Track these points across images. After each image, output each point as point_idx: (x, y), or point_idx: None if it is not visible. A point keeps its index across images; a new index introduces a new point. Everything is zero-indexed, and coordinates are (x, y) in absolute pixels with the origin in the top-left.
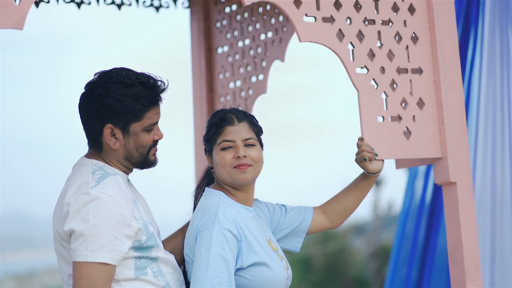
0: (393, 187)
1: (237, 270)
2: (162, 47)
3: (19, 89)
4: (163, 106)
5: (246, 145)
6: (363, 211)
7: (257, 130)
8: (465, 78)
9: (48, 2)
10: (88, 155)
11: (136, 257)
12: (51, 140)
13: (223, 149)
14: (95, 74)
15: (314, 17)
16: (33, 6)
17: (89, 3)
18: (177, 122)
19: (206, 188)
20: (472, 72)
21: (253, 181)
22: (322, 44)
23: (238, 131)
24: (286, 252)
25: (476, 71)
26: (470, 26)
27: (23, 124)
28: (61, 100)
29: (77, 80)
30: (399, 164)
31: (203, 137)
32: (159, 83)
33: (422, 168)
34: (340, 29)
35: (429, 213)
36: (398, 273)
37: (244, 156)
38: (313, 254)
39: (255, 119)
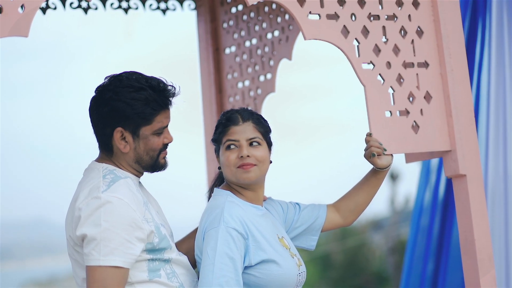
0: (410, 182)
1: (246, 268)
2: (170, 49)
3: (31, 96)
4: (174, 110)
5: (251, 145)
6: (380, 207)
7: (264, 130)
8: (475, 71)
9: (55, 8)
10: (98, 159)
11: (149, 260)
12: (65, 146)
13: (228, 149)
14: (106, 77)
15: (319, 15)
16: (41, 13)
17: (96, 8)
18: (188, 125)
19: (215, 188)
20: (481, 65)
21: (259, 180)
22: (327, 41)
23: (242, 131)
24: (303, 250)
25: (485, 64)
26: (477, 19)
27: (36, 132)
28: (72, 107)
29: (87, 85)
30: (409, 158)
31: (212, 137)
32: (169, 87)
33: (434, 162)
34: (344, 26)
35: (443, 206)
36: (414, 267)
37: (248, 156)
38: (332, 250)
39: (263, 118)
